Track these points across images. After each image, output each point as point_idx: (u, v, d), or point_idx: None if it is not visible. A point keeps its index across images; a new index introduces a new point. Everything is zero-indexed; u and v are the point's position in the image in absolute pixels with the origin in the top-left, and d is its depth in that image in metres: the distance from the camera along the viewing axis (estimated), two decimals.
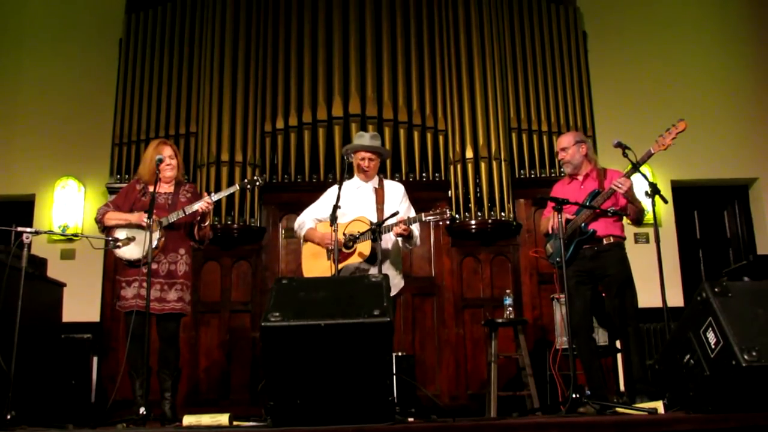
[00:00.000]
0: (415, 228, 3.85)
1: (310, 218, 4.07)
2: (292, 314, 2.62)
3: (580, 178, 4.02)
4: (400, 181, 5.41)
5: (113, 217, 3.90)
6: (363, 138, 4.09)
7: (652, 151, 3.68)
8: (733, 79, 6.37)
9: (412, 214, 3.96)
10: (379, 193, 4.02)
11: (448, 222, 3.58)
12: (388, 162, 5.72)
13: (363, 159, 4.01)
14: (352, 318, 2.60)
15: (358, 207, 3.94)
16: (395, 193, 4.04)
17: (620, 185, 3.68)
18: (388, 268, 3.84)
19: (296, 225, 4.13)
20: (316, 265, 3.93)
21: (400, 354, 4.63)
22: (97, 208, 4.01)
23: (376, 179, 4.09)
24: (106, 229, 3.93)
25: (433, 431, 2.57)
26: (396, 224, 3.70)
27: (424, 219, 3.67)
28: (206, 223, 3.94)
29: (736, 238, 6.38)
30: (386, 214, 3.86)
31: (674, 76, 6.33)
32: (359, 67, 5.99)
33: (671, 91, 6.26)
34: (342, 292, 2.81)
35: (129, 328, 3.63)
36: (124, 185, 4.36)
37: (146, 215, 3.66)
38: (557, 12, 6.31)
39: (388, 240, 3.88)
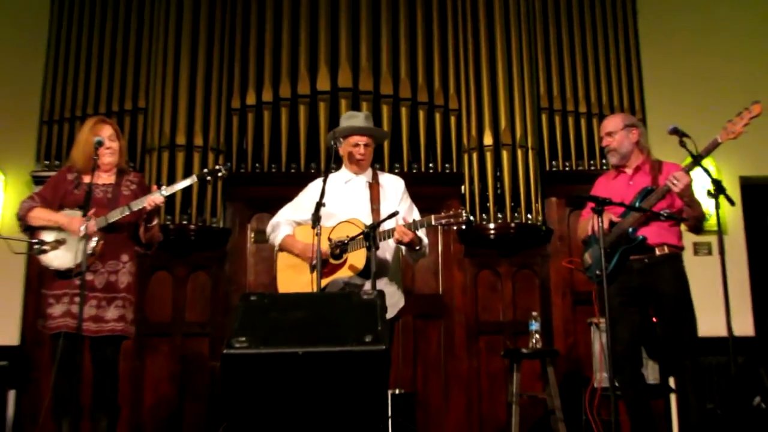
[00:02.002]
0: (423, 234, 3.82)
1: (287, 221, 4.05)
2: (262, 339, 2.61)
3: (629, 171, 4.02)
4: (401, 173, 5.40)
5: (39, 216, 3.87)
6: (356, 119, 4.08)
7: (719, 140, 3.67)
8: None
9: (416, 214, 3.93)
10: (374, 188, 4.00)
11: (463, 227, 3.51)
12: (385, 150, 5.71)
13: (357, 145, 3.99)
14: (338, 345, 2.59)
15: (347, 206, 3.92)
16: (394, 189, 4.03)
17: (676, 181, 3.67)
18: (385, 284, 3.81)
19: (269, 229, 4.10)
20: (294, 279, 3.91)
21: (397, 392, 4.61)
22: (20, 202, 3.98)
23: (369, 171, 4.08)
24: (30, 230, 3.90)
25: None
26: (397, 228, 3.66)
27: (434, 222, 3.63)
28: (154, 223, 3.93)
29: None
30: (383, 214, 3.84)
31: (744, 50, 6.32)
32: (351, 30, 5.98)
33: (740, 68, 6.24)
34: (325, 313, 2.80)
35: (56, 354, 3.61)
36: (53, 173, 4.33)
37: (80, 216, 3.63)
38: None
39: (385, 248, 3.85)
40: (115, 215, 3.80)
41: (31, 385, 5.45)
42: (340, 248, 3.77)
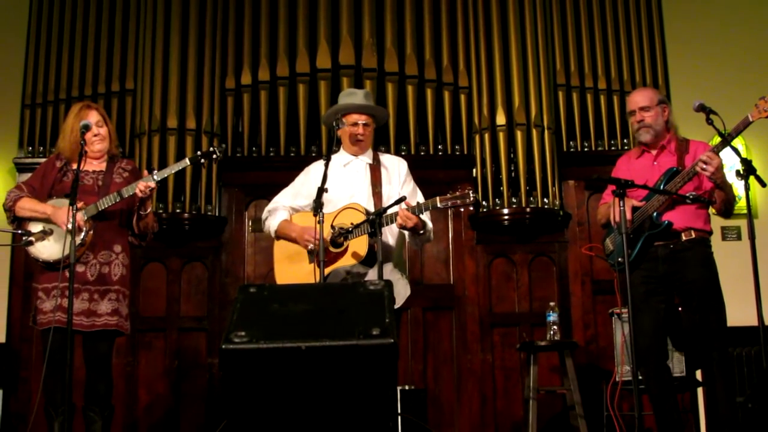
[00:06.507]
0: (427, 218, 3.84)
1: (285, 207, 4.07)
2: (262, 334, 2.62)
3: (654, 151, 4.01)
4: (408, 156, 5.40)
5: (27, 207, 3.89)
6: (354, 96, 4.09)
7: (751, 119, 3.65)
8: None
9: (419, 197, 3.95)
10: (375, 170, 4.01)
11: (471, 209, 3.53)
12: (391, 131, 5.71)
13: (356, 124, 4.01)
14: (343, 339, 2.59)
15: (347, 190, 3.94)
16: (396, 171, 4.05)
17: (705, 164, 3.65)
18: (391, 272, 3.83)
19: (264, 216, 4.13)
20: (293, 270, 3.93)
21: (406, 387, 4.63)
22: (7, 192, 4.00)
23: (370, 153, 4.10)
24: (18, 221, 3.93)
25: None
26: (400, 212, 3.67)
27: (440, 205, 3.65)
28: (148, 210, 3.93)
29: None
30: (385, 197, 3.85)
31: None
32: (353, 3, 5.96)
33: None
34: (329, 305, 2.80)
35: (46, 351, 3.63)
36: (38, 160, 4.36)
37: (68, 206, 3.63)
38: None
39: (388, 233, 3.87)
40: (105, 202, 3.82)
41: (19, 384, 5.49)
42: (343, 236, 3.79)
